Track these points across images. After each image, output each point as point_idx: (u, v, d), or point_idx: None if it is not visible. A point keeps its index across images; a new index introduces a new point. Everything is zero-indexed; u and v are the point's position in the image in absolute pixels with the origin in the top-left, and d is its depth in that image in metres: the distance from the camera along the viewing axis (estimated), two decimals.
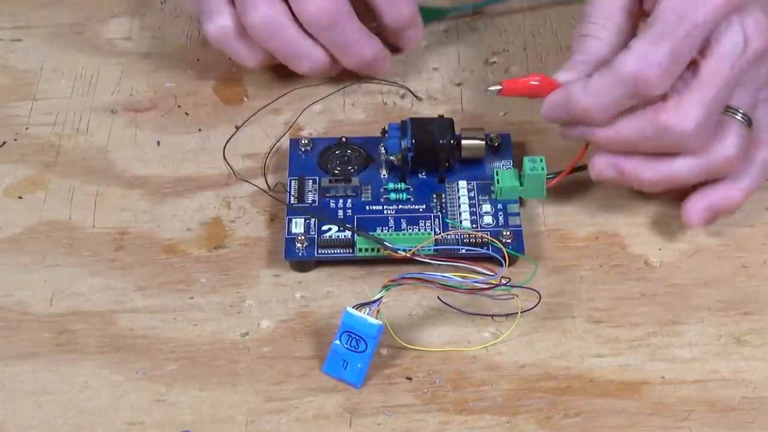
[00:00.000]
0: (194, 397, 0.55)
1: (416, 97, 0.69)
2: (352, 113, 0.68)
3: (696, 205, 0.59)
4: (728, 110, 0.58)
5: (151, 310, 0.59)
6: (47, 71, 0.71)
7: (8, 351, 0.57)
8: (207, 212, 0.63)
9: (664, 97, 0.56)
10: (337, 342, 0.55)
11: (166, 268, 0.61)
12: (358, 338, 0.55)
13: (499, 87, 0.58)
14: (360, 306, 0.55)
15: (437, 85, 0.70)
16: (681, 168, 0.58)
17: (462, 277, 0.56)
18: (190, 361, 0.57)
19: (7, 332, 0.58)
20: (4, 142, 0.67)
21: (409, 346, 0.57)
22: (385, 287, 0.55)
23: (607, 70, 0.56)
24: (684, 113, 0.56)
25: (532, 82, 0.58)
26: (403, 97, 0.69)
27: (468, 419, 0.54)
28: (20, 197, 0.64)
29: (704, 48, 0.56)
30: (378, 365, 0.56)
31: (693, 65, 0.56)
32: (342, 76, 0.69)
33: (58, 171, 0.65)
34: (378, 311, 0.55)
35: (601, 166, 0.59)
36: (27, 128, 0.68)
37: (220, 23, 0.65)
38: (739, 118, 0.58)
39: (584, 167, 0.61)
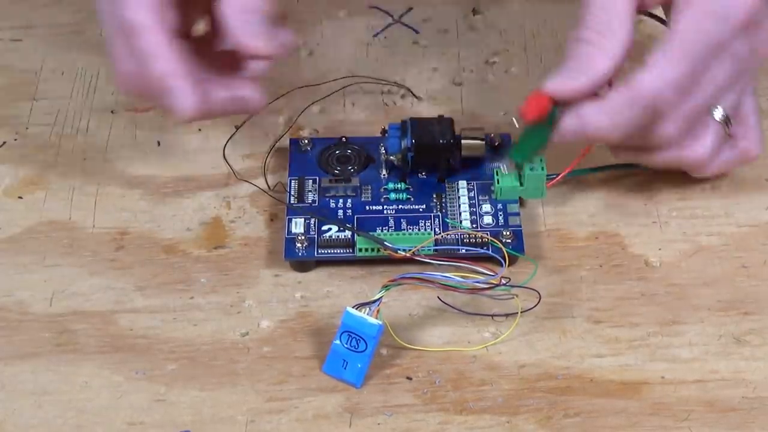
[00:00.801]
0: (194, 397, 0.55)
1: (416, 97, 0.69)
2: (352, 113, 0.68)
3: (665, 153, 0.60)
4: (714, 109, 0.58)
5: (151, 310, 0.59)
6: (47, 71, 0.71)
7: (8, 351, 0.57)
8: (207, 212, 0.63)
9: None
10: (337, 342, 0.55)
11: (166, 268, 0.61)
12: (358, 338, 0.55)
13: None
14: (360, 306, 0.55)
15: (437, 85, 0.70)
16: (655, 158, 0.60)
17: (462, 277, 0.56)
18: (190, 361, 0.57)
19: (7, 332, 0.58)
20: (4, 142, 0.67)
21: (409, 346, 0.57)
22: (385, 287, 0.55)
23: (624, 89, 0.56)
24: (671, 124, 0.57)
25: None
26: (403, 97, 0.69)
27: (468, 419, 0.54)
28: (20, 197, 0.64)
29: None
30: (378, 365, 0.56)
31: None
32: (342, 74, 0.69)
33: (58, 171, 0.65)
34: (378, 311, 0.55)
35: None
36: (27, 128, 0.68)
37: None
38: (719, 119, 0.58)
39: (591, 169, 0.62)
